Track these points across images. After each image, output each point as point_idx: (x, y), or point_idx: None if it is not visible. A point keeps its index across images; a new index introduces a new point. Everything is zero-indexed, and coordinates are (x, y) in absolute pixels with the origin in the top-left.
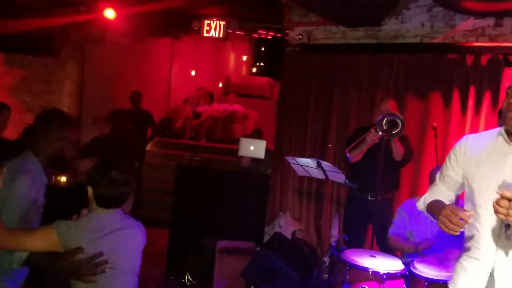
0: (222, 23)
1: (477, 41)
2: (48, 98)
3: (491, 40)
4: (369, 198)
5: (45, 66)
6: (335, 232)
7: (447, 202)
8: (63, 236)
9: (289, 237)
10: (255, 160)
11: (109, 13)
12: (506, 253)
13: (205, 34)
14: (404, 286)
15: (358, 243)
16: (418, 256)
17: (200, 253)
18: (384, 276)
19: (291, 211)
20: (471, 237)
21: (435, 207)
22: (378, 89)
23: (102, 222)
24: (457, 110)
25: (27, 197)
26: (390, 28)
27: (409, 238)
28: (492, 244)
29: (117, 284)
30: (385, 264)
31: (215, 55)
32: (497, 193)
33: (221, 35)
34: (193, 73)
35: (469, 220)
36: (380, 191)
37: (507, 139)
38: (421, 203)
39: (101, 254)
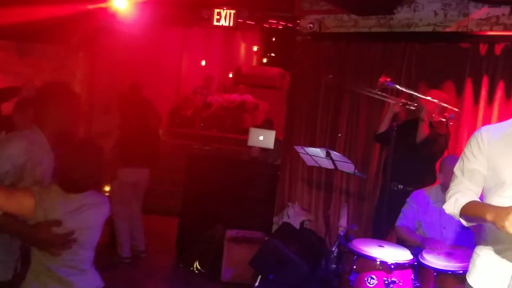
0: (232, 12)
1: (491, 30)
2: None
3: (505, 29)
4: (398, 188)
5: (56, 54)
6: (343, 222)
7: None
8: (40, 204)
9: (298, 227)
10: (264, 150)
11: (120, 3)
12: None
13: (215, 23)
14: (413, 276)
15: (384, 235)
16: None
17: (209, 242)
18: (392, 266)
19: (300, 201)
20: (494, 231)
21: (483, 209)
22: (390, 78)
23: (75, 198)
24: (470, 99)
25: (13, 160)
26: (403, 17)
27: (417, 229)
28: None
29: (78, 259)
30: (393, 254)
31: (226, 45)
32: None
33: (231, 24)
34: (203, 63)
35: None
36: (412, 181)
37: None
38: (451, 206)
39: (73, 232)
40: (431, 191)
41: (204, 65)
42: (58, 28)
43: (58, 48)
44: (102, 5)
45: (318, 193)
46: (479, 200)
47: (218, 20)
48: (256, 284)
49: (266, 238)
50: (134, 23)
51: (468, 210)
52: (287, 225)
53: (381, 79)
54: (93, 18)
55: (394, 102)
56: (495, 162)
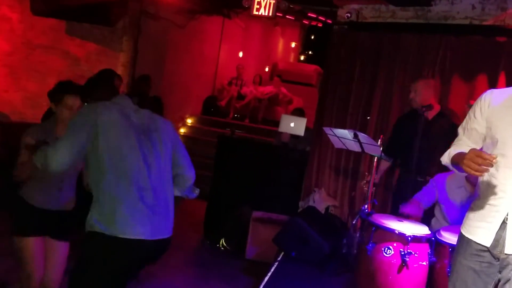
0: (272, 1)
1: None
2: (102, 68)
3: None
4: (418, 179)
5: (103, 37)
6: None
7: None
8: None
9: (323, 212)
10: (294, 137)
11: None
12: None
13: (255, 12)
14: (429, 251)
15: None
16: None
17: (235, 222)
18: (409, 238)
19: (326, 187)
20: (488, 184)
21: (460, 157)
22: (424, 69)
23: None
24: None
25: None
26: (440, 9)
27: (437, 211)
28: (509, 192)
29: None
30: (411, 228)
31: (264, 39)
32: None
33: (270, 14)
34: (240, 54)
35: (494, 161)
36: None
37: None
38: (446, 157)
39: None
40: (454, 176)
41: (242, 57)
42: (106, 10)
43: (104, 30)
44: None
45: (345, 180)
46: (464, 151)
47: (258, 10)
48: (278, 259)
49: (291, 217)
50: (177, 11)
51: (454, 159)
52: (312, 208)
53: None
54: (139, 4)
55: None
56: (492, 122)
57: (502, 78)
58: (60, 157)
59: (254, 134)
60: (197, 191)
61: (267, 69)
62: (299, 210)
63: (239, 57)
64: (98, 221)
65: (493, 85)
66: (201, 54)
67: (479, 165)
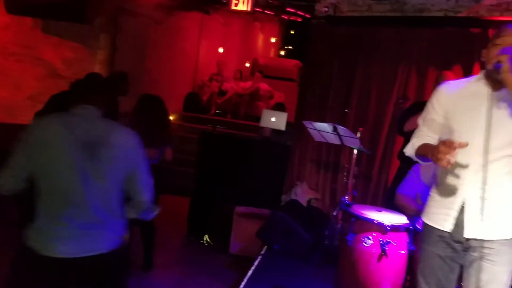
0: None
1: (502, 15)
2: (80, 66)
3: None
4: None
5: (79, 35)
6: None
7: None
8: None
9: (305, 204)
10: (276, 131)
11: None
12: (477, 187)
13: (233, 7)
14: (408, 240)
15: None
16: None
17: (219, 217)
18: (388, 228)
19: (308, 180)
20: (445, 172)
21: (427, 148)
22: (401, 61)
23: None
24: None
25: None
26: (415, 2)
27: (417, 200)
28: (466, 178)
29: None
30: (389, 217)
31: (244, 34)
32: None
33: (249, 9)
34: (220, 50)
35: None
36: None
37: (487, 82)
38: (410, 148)
39: None
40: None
41: (222, 53)
42: (82, 7)
43: (81, 28)
44: None
45: (326, 173)
46: (430, 143)
47: (236, 5)
48: (262, 253)
49: (273, 211)
50: (155, 7)
51: (419, 151)
52: (294, 201)
53: None
54: (116, 0)
55: None
56: (448, 112)
57: (476, 68)
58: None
59: (236, 129)
60: (157, 210)
61: (247, 65)
62: (281, 204)
63: (219, 53)
64: (29, 235)
65: (468, 76)
66: (180, 51)
67: (450, 155)
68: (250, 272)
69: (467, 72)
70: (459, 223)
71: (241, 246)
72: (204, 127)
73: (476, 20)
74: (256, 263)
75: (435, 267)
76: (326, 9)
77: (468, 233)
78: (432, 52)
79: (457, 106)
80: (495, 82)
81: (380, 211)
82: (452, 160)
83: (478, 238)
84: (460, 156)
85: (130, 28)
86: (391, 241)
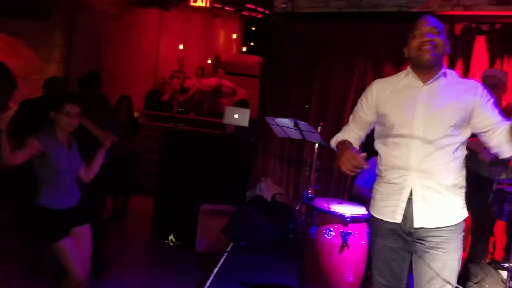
0: None
1: (452, 10)
2: (35, 65)
3: (465, 10)
4: None
5: (33, 32)
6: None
7: (355, 141)
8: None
9: (270, 200)
10: (239, 128)
11: None
12: (422, 177)
13: (192, 4)
14: (367, 230)
15: None
16: None
17: (183, 216)
18: (348, 219)
19: (272, 176)
20: (389, 165)
21: (341, 147)
22: (359, 57)
23: None
24: None
25: None
26: None
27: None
28: (409, 169)
29: None
30: (350, 209)
31: (205, 31)
32: None
33: (207, 5)
34: (181, 47)
35: (364, 167)
36: None
37: (416, 75)
38: (333, 141)
39: None
40: None
41: (183, 50)
42: (39, 4)
43: (35, 26)
44: None
45: (289, 168)
46: (351, 140)
47: (195, 1)
48: (228, 249)
49: (238, 207)
50: (111, 3)
51: (338, 146)
52: (259, 197)
53: None
54: None
55: None
56: (384, 109)
57: None
58: None
59: (200, 127)
60: None
61: (209, 61)
62: (246, 200)
63: (180, 49)
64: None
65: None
66: (139, 47)
67: (353, 166)
68: (216, 270)
69: None
70: (407, 214)
71: (207, 243)
72: (166, 125)
73: (429, 14)
74: (222, 260)
75: (388, 259)
76: (284, 5)
77: (417, 223)
78: (388, 48)
79: (392, 101)
80: (423, 74)
81: (341, 203)
82: (355, 171)
83: (427, 227)
84: (402, 147)
85: (86, 24)
86: (352, 232)
